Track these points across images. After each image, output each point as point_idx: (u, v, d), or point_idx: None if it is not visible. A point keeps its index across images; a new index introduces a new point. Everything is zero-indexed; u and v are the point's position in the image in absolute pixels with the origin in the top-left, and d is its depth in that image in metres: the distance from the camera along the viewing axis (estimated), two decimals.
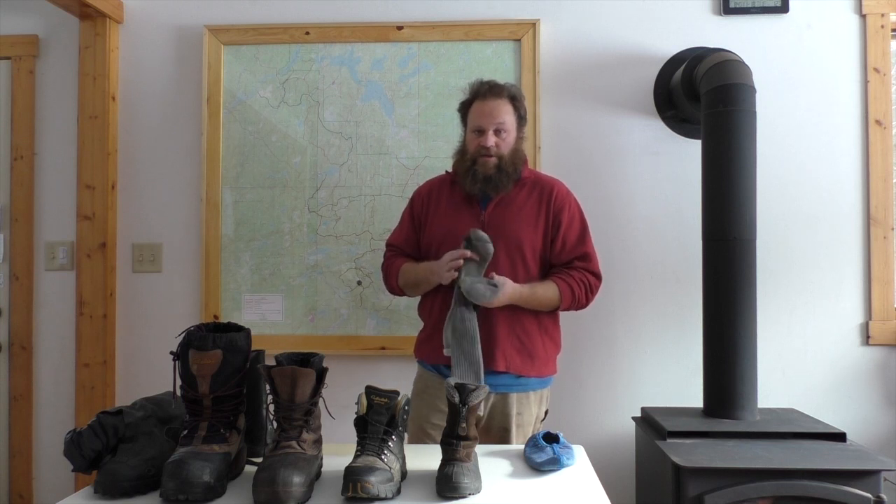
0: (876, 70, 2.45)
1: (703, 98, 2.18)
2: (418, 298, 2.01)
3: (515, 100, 1.90)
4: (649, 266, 2.50)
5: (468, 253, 1.76)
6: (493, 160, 1.84)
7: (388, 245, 2.04)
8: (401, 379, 1.99)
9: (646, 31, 2.51)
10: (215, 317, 2.54)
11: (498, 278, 1.75)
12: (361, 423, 1.25)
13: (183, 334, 1.26)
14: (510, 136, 1.87)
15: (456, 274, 1.76)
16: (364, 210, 2.54)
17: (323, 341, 2.50)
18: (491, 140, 1.84)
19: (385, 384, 1.32)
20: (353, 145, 2.55)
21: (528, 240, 1.86)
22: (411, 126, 2.54)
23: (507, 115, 1.87)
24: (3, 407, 2.63)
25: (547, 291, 1.84)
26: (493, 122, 1.85)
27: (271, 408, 1.25)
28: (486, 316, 1.81)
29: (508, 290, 1.75)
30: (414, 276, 1.91)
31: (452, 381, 1.31)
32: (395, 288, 1.99)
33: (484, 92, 1.89)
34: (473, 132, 1.89)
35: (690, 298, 2.41)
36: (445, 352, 1.77)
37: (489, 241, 1.76)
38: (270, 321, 2.55)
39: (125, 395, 2.56)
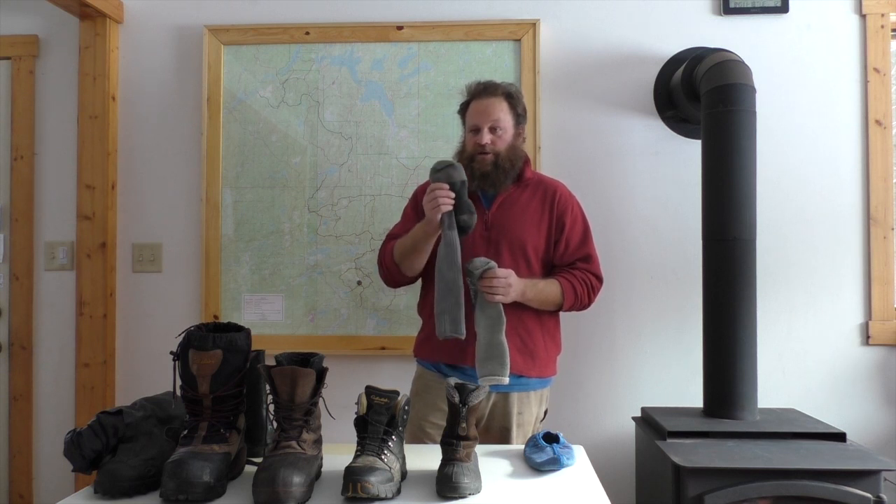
0: (876, 70, 2.45)
1: (703, 98, 2.18)
2: (418, 297, 2.01)
3: (511, 98, 1.90)
4: (649, 266, 2.50)
5: (445, 186, 1.73)
6: (490, 157, 1.85)
7: (387, 236, 1.99)
8: (401, 379, 1.99)
9: (646, 31, 2.51)
10: (215, 317, 2.54)
11: (502, 270, 1.74)
12: (361, 423, 1.26)
13: (183, 334, 1.26)
14: (506, 133, 1.88)
15: (443, 207, 1.72)
16: (364, 210, 2.54)
17: (323, 341, 2.50)
18: (486, 137, 1.85)
19: (385, 384, 1.32)
20: (353, 145, 2.55)
21: (531, 240, 1.87)
22: (411, 126, 2.54)
23: (501, 112, 1.87)
24: (3, 407, 2.63)
25: (550, 287, 1.84)
26: (487, 119, 1.86)
27: (271, 408, 1.25)
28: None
29: (517, 283, 1.75)
30: (410, 239, 1.85)
31: (452, 380, 1.31)
32: (389, 266, 1.91)
33: (479, 91, 1.91)
34: (470, 131, 1.91)
35: (690, 298, 2.41)
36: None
37: (454, 166, 1.76)
38: (270, 321, 2.55)
39: (125, 395, 2.56)
